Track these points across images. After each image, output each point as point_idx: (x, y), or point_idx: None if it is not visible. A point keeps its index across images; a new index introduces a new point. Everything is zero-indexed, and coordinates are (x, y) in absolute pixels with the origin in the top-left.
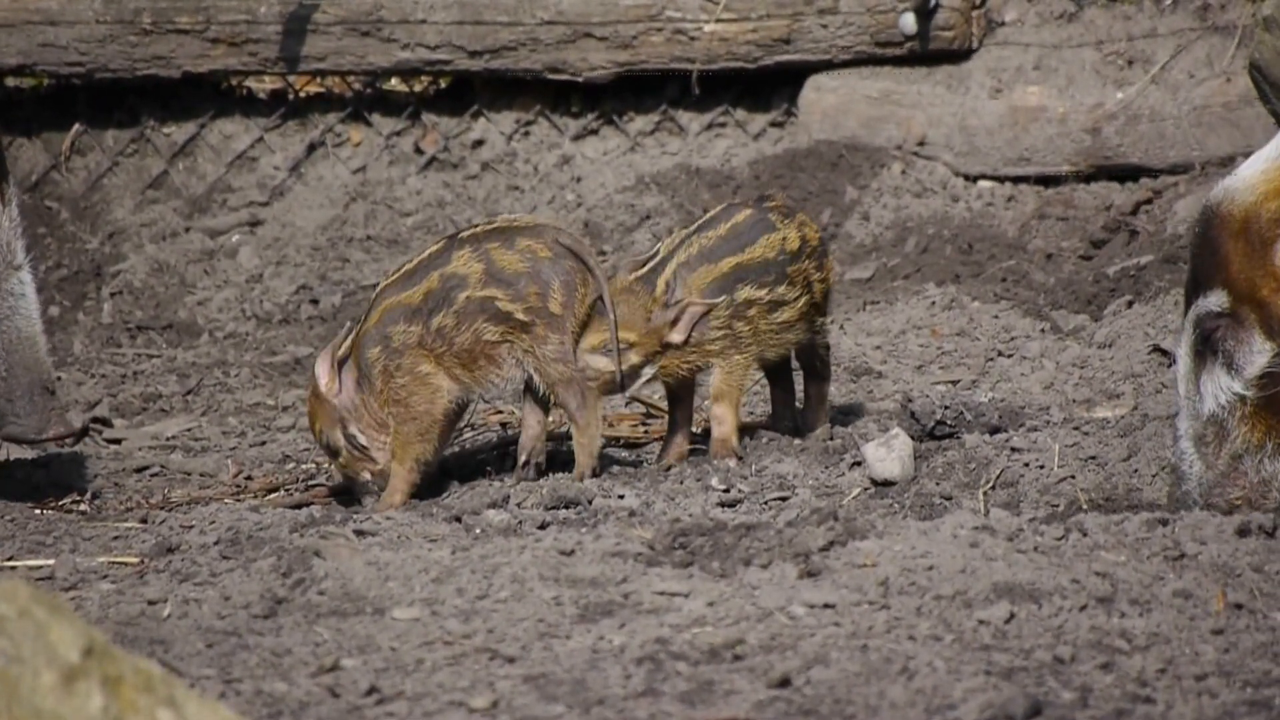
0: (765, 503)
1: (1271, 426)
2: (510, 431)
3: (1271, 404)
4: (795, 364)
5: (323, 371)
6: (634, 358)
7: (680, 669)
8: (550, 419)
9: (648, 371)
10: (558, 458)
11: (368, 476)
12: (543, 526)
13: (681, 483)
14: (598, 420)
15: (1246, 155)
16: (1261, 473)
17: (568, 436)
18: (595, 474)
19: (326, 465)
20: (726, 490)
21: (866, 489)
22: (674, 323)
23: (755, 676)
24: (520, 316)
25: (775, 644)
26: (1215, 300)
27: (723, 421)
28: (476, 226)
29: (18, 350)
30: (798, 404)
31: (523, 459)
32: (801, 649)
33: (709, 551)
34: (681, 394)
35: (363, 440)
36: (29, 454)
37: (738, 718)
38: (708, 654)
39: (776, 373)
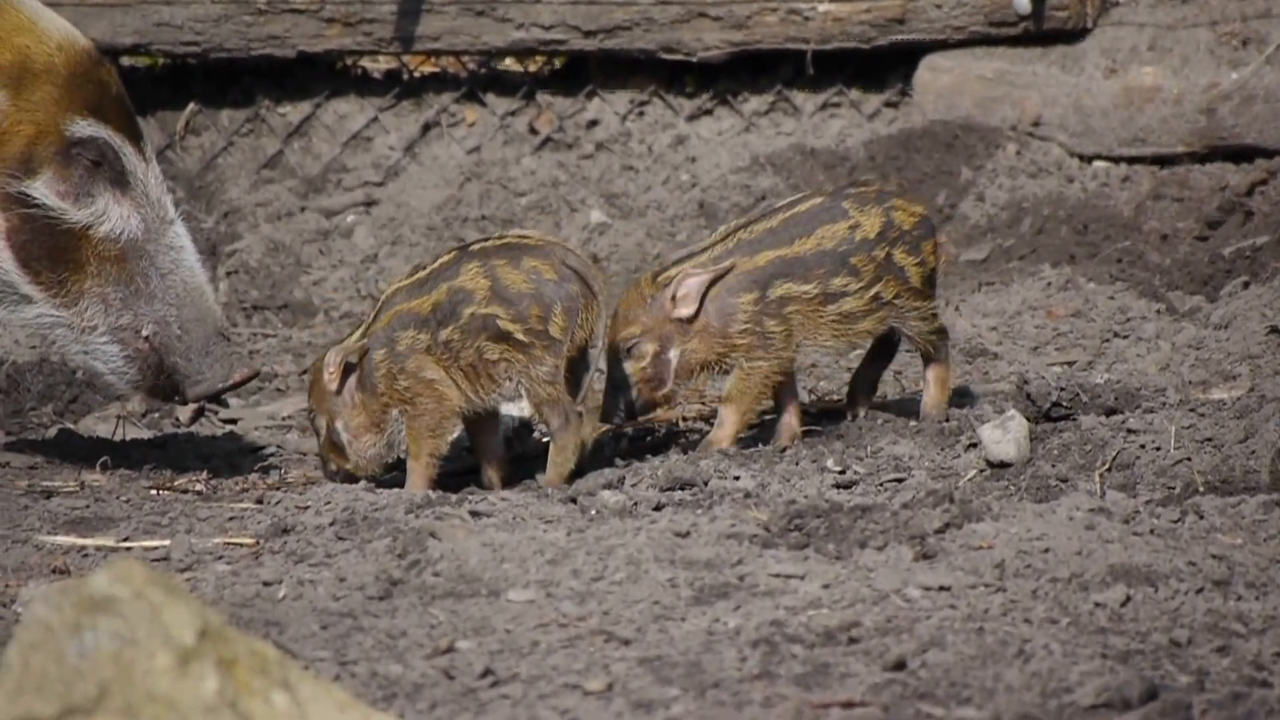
0: (881, 484)
1: None
2: None
3: None
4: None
5: (331, 363)
6: (648, 347)
7: (796, 651)
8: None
9: (673, 356)
10: (672, 440)
11: (334, 468)
12: (658, 508)
13: (797, 464)
14: (575, 445)
15: None
16: None
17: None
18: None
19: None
20: (842, 472)
21: (982, 471)
22: (674, 298)
23: (871, 659)
24: (520, 337)
25: (891, 626)
26: None
27: (723, 424)
28: (488, 240)
29: (187, 304)
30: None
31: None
32: (917, 631)
33: (824, 533)
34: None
35: (344, 438)
36: (145, 433)
37: (853, 700)
38: (823, 636)
39: (875, 349)
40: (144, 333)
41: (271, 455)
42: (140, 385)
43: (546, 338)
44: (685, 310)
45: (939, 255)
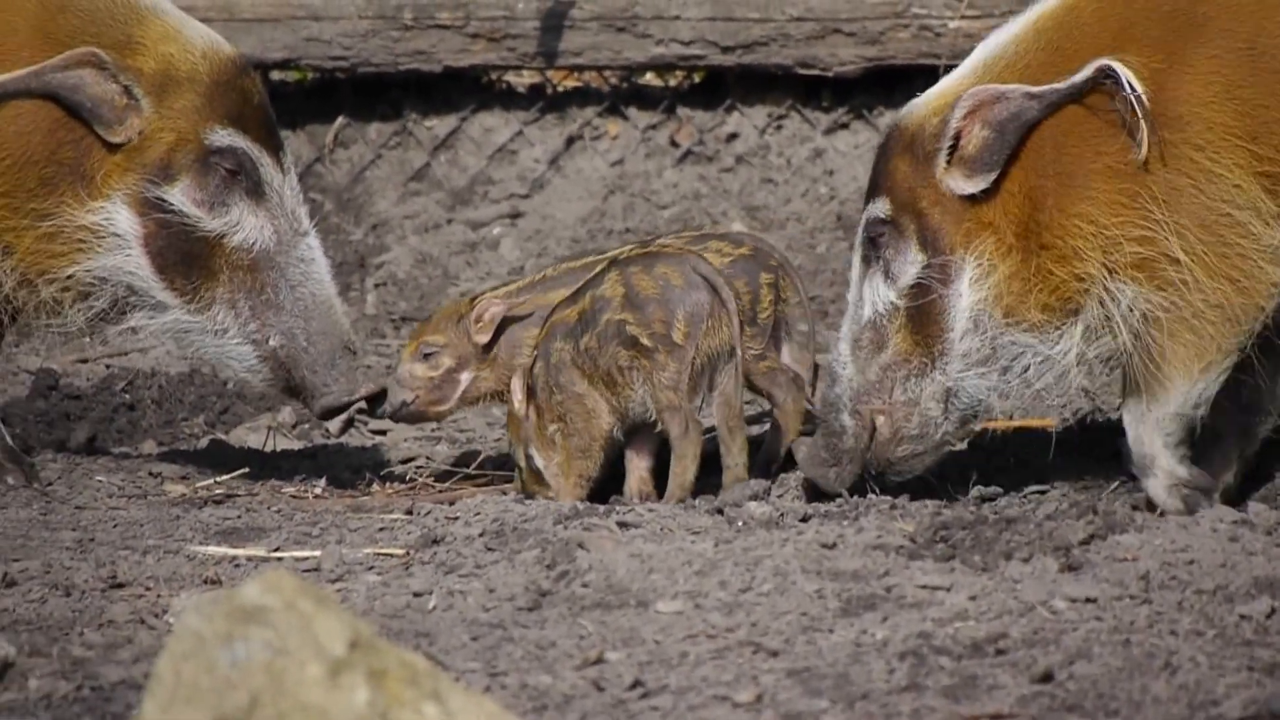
0: (1024, 496)
1: (918, 343)
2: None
3: (920, 318)
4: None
5: (517, 389)
6: (445, 360)
7: (943, 663)
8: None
9: (464, 378)
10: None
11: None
12: (804, 519)
13: (942, 476)
14: (695, 454)
15: None
16: (908, 392)
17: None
18: (682, 502)
19: None
20: (987, 484)
21: (1125, 482)
22: (476, 321)
23: (1018, 671)
24: (645, 342)
25: (1037, 638)
26: (881, 207)
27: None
28: (633, 248)
29: (315, 317)
30: None
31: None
32: (1064, 643)
33: (970, 545)
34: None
35: (539, 461)
36: (295, 444)
37: (1001, 713)
38: (970, 648)
39: None
40: (271, 343)
41: (421, 466)
42: (274, 384)
43: (669, 343)
44: (482, 337)
45: (764, 298)
